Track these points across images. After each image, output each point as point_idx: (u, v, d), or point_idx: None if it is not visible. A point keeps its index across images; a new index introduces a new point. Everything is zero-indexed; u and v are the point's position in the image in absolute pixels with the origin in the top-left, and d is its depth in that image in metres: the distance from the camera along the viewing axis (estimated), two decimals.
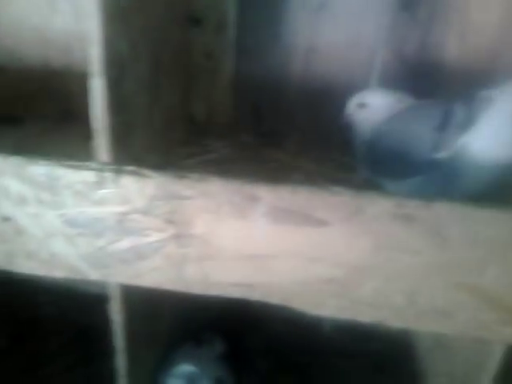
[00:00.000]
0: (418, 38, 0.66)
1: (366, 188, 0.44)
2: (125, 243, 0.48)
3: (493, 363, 0.52)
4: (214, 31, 0.70)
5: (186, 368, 0.71)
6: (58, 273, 0.51)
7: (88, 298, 0.63)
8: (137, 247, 0.48)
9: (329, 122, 0.61)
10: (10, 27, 0.73)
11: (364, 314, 0.47)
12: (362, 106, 0.57)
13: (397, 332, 0.88)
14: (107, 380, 0.63)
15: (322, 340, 0.87)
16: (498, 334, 0.46)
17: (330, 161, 0.65)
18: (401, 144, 0.50)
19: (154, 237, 0.47)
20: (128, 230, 0.47)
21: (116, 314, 0.55)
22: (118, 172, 0.44)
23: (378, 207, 0.42)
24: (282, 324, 0.87)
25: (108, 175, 0.44)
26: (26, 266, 0.51)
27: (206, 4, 0.69)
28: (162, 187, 0.44)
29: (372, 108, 0.56)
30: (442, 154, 0.47)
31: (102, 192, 0.45)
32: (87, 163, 0.44)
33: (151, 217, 0.46)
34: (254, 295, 0.49)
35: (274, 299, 0.49)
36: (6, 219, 0.48)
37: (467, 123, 0.46)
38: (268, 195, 0.43)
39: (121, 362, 0.60)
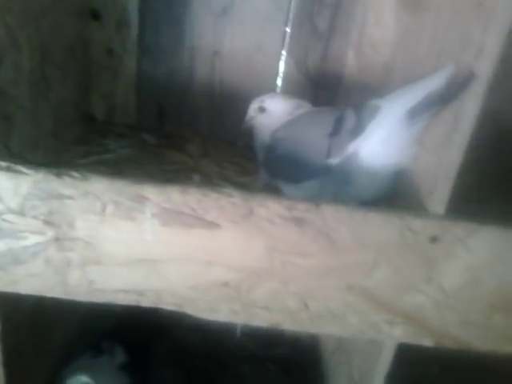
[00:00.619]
0: (319, 50, 0.68)
1: (263, 191, 0.43)
2: None
3: (384, 363, 0.53)
4: (114, 28, 0.67)
5: (81, 379, 0.67)
6: None
7: None
8: (12, 251, 0.43)
9: (233, 126, 0.60)
10: None
11: (259, 317, 0.47)
12: (261, 110, 0.56)
13: (303, 337, 0.89)
14: None
15: (230, 347, 0.86)
16: (388, 335, 0.47)
17: (232, 164, 0.64)
18: (296, 149, 0.50)
19: (32, 240, 0.43)
20: (2, 232, 0.42)
21: None
22: None
23: (269, 209, 0.41)
24: (188, 331, 0.85)
25: None
26: None
27: None
28: (40, 185, 0.40)
29: (271, 112, 0.55)
30: (334, 160, 0.48)
31: None
32: None
33: (28, 218, 0.42)
34: (145, 302, 0.46)
35: (167, 305, 0.46)
36: None
37: (357, 130, 0.47)
38: (156, 196, 0.41)
39: (1, 376, 0.54)
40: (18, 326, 0.56)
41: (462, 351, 0.48)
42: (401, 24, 0.60)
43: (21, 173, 0.40)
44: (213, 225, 0.42)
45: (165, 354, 0.82)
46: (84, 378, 0.67)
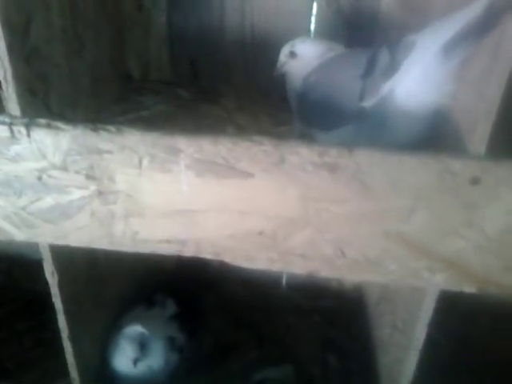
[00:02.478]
0: None
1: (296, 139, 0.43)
2: (47, 201, 0.46)
3: (426, 311, 0.53)
4: None
5: (135, 329, 0.71)
6: None
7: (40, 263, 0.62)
8: (60, 205, 0.46)
9: (267, 76, 0.59)
10: None
11: (296, 265, 0.47)
12: (292, 55, 0.54)
13: (348, 288, 0.89)
14: (57, 344, 0.62)
15: (276, 299, 0.89)
16: (428, 281, 0.47)
17: (267, 116, 0.64)
18: (328, 94, 0.49)
19: (77, 194, 0.45)
20: (49, 188, 0.45)
21: (50, 275, 0.54)
22: (31, 125, 0.42)
23: (301, 156, 0.41)
24: (235, 284, 0.88)
25: (21, 129, 0.42)
26: None
27: None
28: (79, 141, 0.42)
29: (302, 57, 0.54)
30: (368, 102, 0.46)
31: (17, 147, 0.43)
32: None
33: (71, 173, 0.44)
34: (186, 251, 0.48)
35: (207, 254, 0.48)
36: None
37: (392, 68, 0.45)
38: (188, 147, 0.42)
39: (62, 323, 0.59)
40: (74, 278, 0.60)
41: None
42: None
43: (60, 129, 0.42)
44: (245, 174, 0.42)
45: (213, 306, 0.85)
46: (139, 328, 0.72)
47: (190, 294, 0.84)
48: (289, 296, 0.89)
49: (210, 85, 0.72)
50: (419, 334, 0.54)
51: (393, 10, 0.64)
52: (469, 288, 0.46)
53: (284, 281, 0.91)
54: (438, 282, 0.47)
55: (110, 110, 0.63)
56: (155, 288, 0.82)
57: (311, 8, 0.66)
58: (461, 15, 0.40)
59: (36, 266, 0.60)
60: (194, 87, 0.71)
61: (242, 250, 0.47)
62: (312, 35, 0.67)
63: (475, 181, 0.41)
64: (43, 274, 0.56)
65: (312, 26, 0.66)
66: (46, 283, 0.57)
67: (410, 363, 0.57)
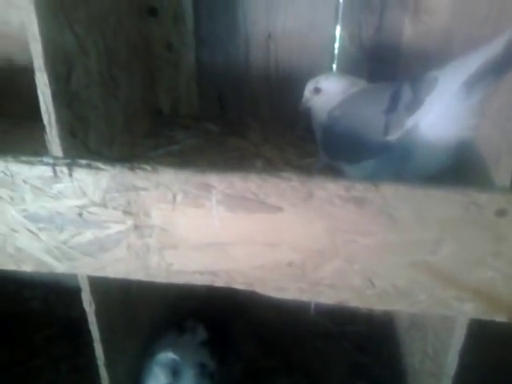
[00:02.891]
0: (373, 22, 0.66)
1: (322, 173, 0.44)
2: (87, 236, 0.49)
3: (458, 339, 0.53)
4: (172, 22, 0.70)
5: (167, 356, 0.73)
6: (25, 267, 0.52)
7: (71, 291, 0.65)
8: (99, 239, 0.48)
9: (291, 109, 0.62)
10: None
11: (325, 295, 0.48)
12: (316, 91, 0.57)
13: (377, 314, 0.89)
14: (93, 370, 0.64)
15: (305, 324, 0.89)
16: (458, 311, 0.47)
17: (293, 148, 0.66)
18: (353, 128, 0.50)
19: (114, 228, 0.48)
20: (88, 223, 0.48)
21: (87, 304, 0.57)
22: (72, 165, 0.44)
23: (328, 191, 0.42)
24: (264, 310, 0.88)
25: (63, 169, 0.45)
26: None
27: None
28: (116, 179, 0.45)
29: (326, 93, 0.56)
30: (392, 136, 0.47)
31: (59, 186, 0.46)
32: (41, 158, 0.45)
33: (109, 209, 0.46)
34: (218, 282, 0.49)
35: (238, 284, 0.49)
36: None
37: (415, 104, 0.46)
38: (220, 183, 0.44)
39: (99, 351, 0.61)
40: (110, 307, 0.62)
41: None
42: None
43: (99, 169, 0.44)
44: (274, 208, 0.44)
45: (243, 332, 0.86)
46: (171, 354, 0.73)
47: (220, 320, 0.85)
48: (318, 321, 0.89)
49: (237, 118, 0.75)
50: (451, 361, 0.54)
51: (414, 43, 0.66)
52: (499, 317, 0.46)
53: (313, 306, 0.91)
54: (467, 311, 0.47)
55: (143, 145, 0.66)
56: (186, 314, 0.84)
57: (333, 43, 0.68)
58: (481, 52, 0.41)
59: (71, 293, 0.63)
60: (222, 121, 0.74)
61: (272, 280, 0.48)
62: (335, 70, 0.69)
63: (501, 213, 0.41)
64: (78, 301, 0.59)
65: (335, 62, 0.68)
66: (82, 310, 0.59)
67: None
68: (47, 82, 0.44)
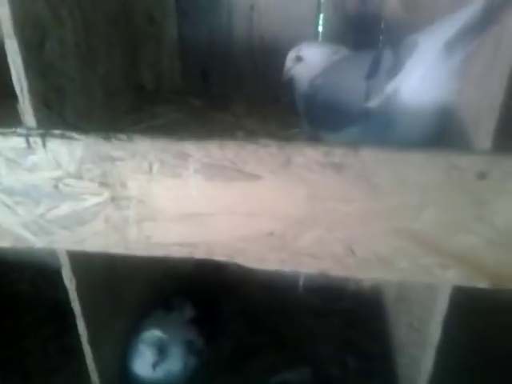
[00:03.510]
0: None
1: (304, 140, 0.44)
2: (63, 209, 0.48)
3: (440, 308, 0.53)
4: None
5: (154, 334, 0.73)
6: (3, 242, 0.51)
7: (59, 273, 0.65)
8: (76, 212, 0.48)
9: (276, 81, 0.60)
10: None
11: (306, 264, 0.48)
12: (298, 59, 0.56)
13: (365, 289, 0.89)
14: (80, 351, 0.64)
15: (294, 301, 0.89)
16: (441, 278, 0.47)
17: (277, 120, 0.65)
18: (334, 96, 0.50)
19: (91, 201, 0.47)
20: (65, 196, 0.47)
21: (68, 280, 0.56)
22: (45, 136, 0.43)
23: (306, 157, 0.42)
24: (253, 287, 0.88)
25: (36, 140, 0.44)
26: None
27: None
28: (91, 149, 0.44)
29: (308, 61, 0.55)
30: (373, 103, 0.47)
31: (34, 158, 0.45)
32: (14, 129, 0.44)
33: (85, 180, 0.46)
34: (198, 253, 0.49)
35: (218, 256, 0.49)
36: None
37: (395, 68, 0.45)
38: (197, 152, 0.43)
39: (81, 328, 0.61)
40: (92, 284, 0.61)
41: None
42: None
43: (73, 139, 0.43)
44: (253, 176, 0.43)
45: (231, 309, 0.86)
46: (157, 332, 0.73)
47: (207, 298, 0.85)
48: (306, 298, 0.89)
49: (221, 92, 0.74)
50: (434, 331, 0.54)
51: (397, 11, 0.65)
52: (482, 283, 0.46)
53: (301, 283, 0.91)
54: (450, 278, 0.47)
55: (124, 120, 0.65)
56: (173, 292, 0.84)
57: (318, 13, 0.67)
58: (461, 13, 0.40)
59: (58, 275, 0.63)
60: (206, 95, 0.73)
61: (252, 251, 0.48)
62: (319, 40, 0.68)
63: (482, 175, 0.41)
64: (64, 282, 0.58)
65: (319, 31, 0.67)
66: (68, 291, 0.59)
67: (427, 362, 0.56)
68: (17, 49, 0.42)
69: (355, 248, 0.46)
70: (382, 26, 0.66)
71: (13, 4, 0.42)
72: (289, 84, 0.58)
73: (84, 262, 0.57)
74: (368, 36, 0.66)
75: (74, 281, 0.55)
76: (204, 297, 0.84)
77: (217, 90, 0.74)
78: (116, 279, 0.69)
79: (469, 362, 0.66)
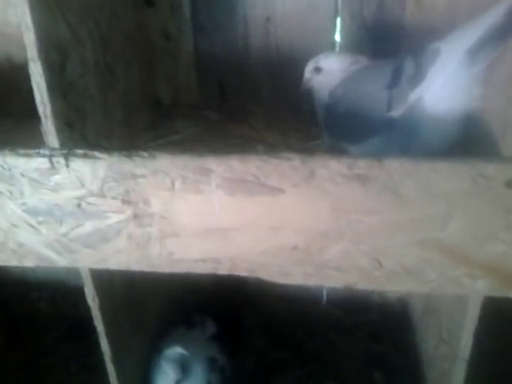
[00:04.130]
0: (375, 0, 0.65)
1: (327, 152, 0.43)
2: (86, 227, 0.48)
3: (471, 320, 0.51)
4: (169, 10, 0.69)
5: (176, 351, 0.72)
6: (27, 262, 0.51)
7: (79, 290, 0.65)
8: (99, 230, 0.48)
9: (294, 92, 0.60)
10: None
11: (332, 278, 0.47)
12: (317, 70, 0.55)
13: (391, 302, 0.87)
14: (102, 369, 0.64)
15: (317, 315, 0.87)
16: (470, 289, 0.45)
17: (296, 132, 0.65)
18: (356, 106, 0.49)
19: (114, 218, 0.47)
20: (87, 214, 0.47)
21: (91, 299, 0.56)
22: (68, 155, 0.44)
23: (330, 169, 0.41)
24: (276, 301, 0.87)
25: (60, 160, 0.44)
26: None
27: None
28: (114, 167, 0.44)
29: (327, 71, 0.54)
30: (396, 112, 0.46)
31: (57, 178, 0.45)
32: (38, 150, 0.44)
33: (108, 198, 0.46)
34: (222, 269, 0.48)
35: (242, 271, 0.48)
36: None
37: (418, 77, 0.45)
38: (219, 167, 0.43)
39: (105, 346, 0.60)
40: (114, 302, 0.61)
41: None
42: None
43: (96, 158, 0.44)
44: (275, 190, 0.43)
45: (253, 324, 0.85)
46: (179, 350, 0.72)
47: (228, 313, 0.84)
48: (330, 312, 0.88)
49: (239, 105, 0.73)
50: (465, 344, 0.53)
51: (417, 18, 0.64)
52: None
53: (324, 296, 0.90)
54: (480, 288, 0.45)
55: (142, 136, 0.65)
56: (194, 308, 0.83)
57: (335, 23, 0.67)
58: (483, 20, 0.40)
59: (78, 292, 0.63)
60: (223, 109, 0.73)
61: (276, 265, 0.47)
62: (337, 49, 0.67)
63: (510, 184, 0.40)
64: (85, 300, 0.58)
65: (336, 40, 0.67)
66: (88, 309, 0.59)
67: (458, 376, 0.55)
68: (41, 71, 0.43)
69: (382, 260, 0.45)
70: (400, 32, 0.65)
71: (37, 28, 0.42)
72: (307, 95, 0.58)
73: (106, 280, 0.57)
74: (386, 43, 0.65)
75: (96, 299, 0.55)
76: (225, 312, 0.83)
77: (234, 102, 0.74)
78: (136, 296, 0.69)
79: (502, 375, 0.64)
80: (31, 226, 0.48)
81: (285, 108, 0.70)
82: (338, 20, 0.66)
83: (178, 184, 0.44)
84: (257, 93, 0.73)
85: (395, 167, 0.40)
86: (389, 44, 0.65)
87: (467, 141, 0.48)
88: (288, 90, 0.69)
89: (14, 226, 0.49)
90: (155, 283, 0.72)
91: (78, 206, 0.47)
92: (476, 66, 0.41)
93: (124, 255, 0.48)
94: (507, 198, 0.40)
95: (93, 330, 0.60)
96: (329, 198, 0.43)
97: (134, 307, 0.68)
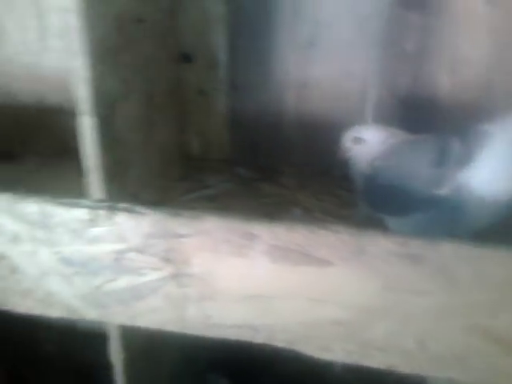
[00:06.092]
0: (409, 73, 0.65)
1: (367, 224, 0.42)
2: (121, 282, 0.46)
3: None
4: (205, 68, 0.70)
5: None
6: (54, 312, 0.49)
7: (89, 335, 0.62)
8: (134, 287, 0.46)
9: (325, 156, 0.60)
10: (3, 65, 0.73)
11: (373, 358, 0.45)
12: (357, 140, 0.56)
13: (409, 375, 0.84)
14: None
15: (331, 381, 0.84)
16: None
17: (328, 195, 0.64)
18: (398, 180, 0.50)
19: (151, 276, 0.45)
20: (124, 269, 0.45)
21: (115, 355, 0.54)
22: (112, 209, 0.43)
23: (381, 246, 0.40)
24: (290, 364, 0.84)
25: (102, 213, 0.43)
26: (22, 305, 0.50)
27: (197, 41, 0.69)
28: (158, 225, 0.43)
29: (368, 143, 0.55)
30: (442, 191, 0.46)
31: (97, 230, 0.44)
32: (80, 201, 0.43)
33: (147, 255, 0.44)
34: (258, 337, 0.46)
35: (279, 342, 0.46)
36: (1, 257, 0.47)
37: (466, 159, 0.45)
38: (265, 233, 0.41)
39: None
40: (135, 357, 0.59)
41: None
42: (494, 37, 0.58)
43: (140, 213, 0.43)
44: (323, 262, 0.41)
45: None
46: None
47: (242, 373, 0.81)
48: (344, 378, 0.84)
49: (270, 164, 0.74)
50: None
51: (450, 93, 0.65)
52: None
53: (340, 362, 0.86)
54: None
55: (175, 188, 0.65)
56: (209, 366, 0.80)
57: (366, 90, 0.68)
58: None
59: (87, 336, 0.60)
60: (253, 166, 0.73)
61: (317, 339, 0.45)
62: (370, 118, 0.68)
63: None
64: (96, 346, 0.55)
65: (369, 108, 0.68)
66: (98, 356, 0.56)
67: None
68: (92, 125, 0.43)
69: (428, 343, 0.43)
70: (433, 105, 0.66)
71: (92, 82, 0.43)
72: (343, 163, 0.58)
73: (129, 335, 0.55)
74: (419, 116, 0.66)
75: (121, 356, 0.53)
76: (242, 372, 0.80)
77: (265, 161, 0.74)
78: (154, 351, 0.67)
79: None
80: (64, 276, 0.47)
81: (316, 172, 0.71)
82: (371, 88, 0.67)
83: (221, 247, 0.43)
84: (288, 154, 0.73)
85: (450, 250, 0.39)
86: (421, 117, 0.66)
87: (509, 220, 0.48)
88: (319, 153, 0.69)
89: (46, 274, 0.47)
90: (171, 339, 0.69)
91: (116, 260, 0.45)
92: None
93: (158, 314, 0.46)
94: None
95: (104, 378, 0.57)
96: (379, 275, 0.41)
97: (152, 364, 0.65)
